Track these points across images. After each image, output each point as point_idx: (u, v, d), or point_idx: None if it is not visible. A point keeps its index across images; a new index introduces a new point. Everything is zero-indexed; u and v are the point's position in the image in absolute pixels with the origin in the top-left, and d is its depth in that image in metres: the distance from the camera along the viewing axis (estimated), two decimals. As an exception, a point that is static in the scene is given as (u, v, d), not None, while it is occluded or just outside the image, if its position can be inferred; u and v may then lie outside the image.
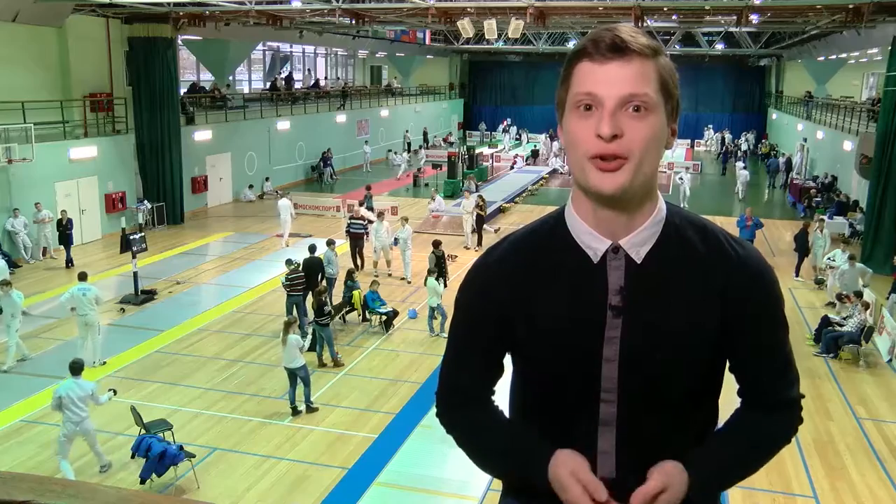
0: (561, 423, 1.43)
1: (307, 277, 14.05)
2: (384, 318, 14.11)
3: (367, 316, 14.41)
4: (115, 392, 9.46)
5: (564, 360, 1.40)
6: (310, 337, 11.87)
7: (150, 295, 15.93)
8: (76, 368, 8.92)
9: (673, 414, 1.43)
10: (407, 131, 41.79)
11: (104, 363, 12.35)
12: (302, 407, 10.76)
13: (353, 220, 18.42)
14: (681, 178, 26.33)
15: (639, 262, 1.37)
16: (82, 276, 12.63)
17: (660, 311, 1.36)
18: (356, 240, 18.17)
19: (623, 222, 1.36)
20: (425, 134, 43.93)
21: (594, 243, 1.38)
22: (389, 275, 17.48)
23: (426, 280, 14.15)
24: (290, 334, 10.62)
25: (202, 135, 25.59)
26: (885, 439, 10.17)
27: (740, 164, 33.30)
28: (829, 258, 16.59)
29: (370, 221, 18.21)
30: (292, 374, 10.62)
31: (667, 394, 1.41)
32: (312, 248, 15.03)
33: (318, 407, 10.85)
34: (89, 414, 8.83)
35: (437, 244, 15.96)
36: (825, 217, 21.20)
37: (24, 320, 12.58)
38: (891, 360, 12.83)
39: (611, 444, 1.42)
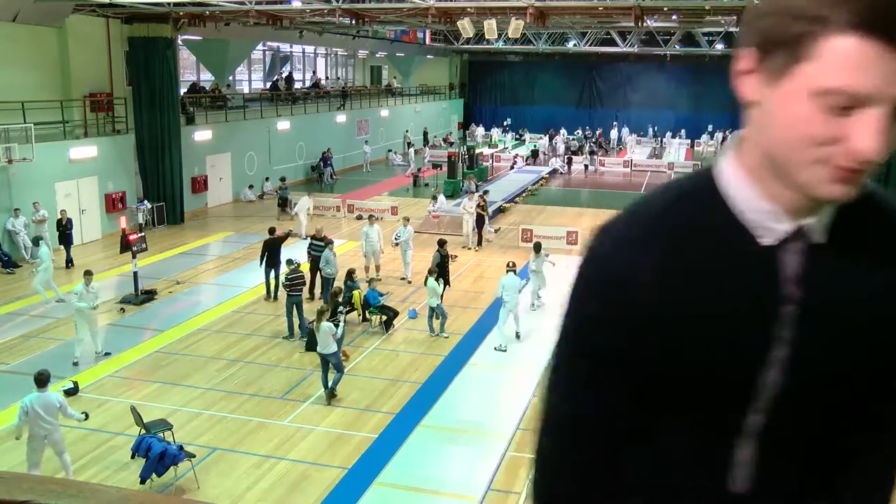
0: (691, 429, 1.12)
1: (267, 255, 15.59)
2: (384, 318, 14.13)
3: (367, 316, 14.43)
4: (86, 416, 9.37)
5: (716, 364, 1.06)
6: (342, 327, 11.83)
7: (150, 295, 15.93)
8: (41, 381, 8.63)
9: (838, 430, 1.12)
10: (407, 131, 41.81)
11: (107, 354, 12.73)
12: (322, 390, 11.12)
13: (314, 242, 16.21)
14: None
15: (821, 242, 1.07)
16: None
17: (848, 302, 1.07)
18: (318, 263, 15.84)
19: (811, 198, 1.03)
20: (425, 134, 43.94)
21: (770, 222, 1.06)
22: (372, 280, 15.57)
23: (426, 280, 14.16)
24: (323, 322, 10.97)
25: (202, 135, 25.59)
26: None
27: None
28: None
29: (329, 242, 15.99)
30: (324, 360, 11.00)
31: (839, 405, 1.09)
32: (272, 231, 16.21)
33: (338, 394, 11.17)
34: (58, 427, 8.66)
35: (442, 243, 15.93)
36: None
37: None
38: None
39: (750, 456, 1.13)
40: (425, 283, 14.24)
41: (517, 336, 13.64)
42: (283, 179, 26.28)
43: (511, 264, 14.07)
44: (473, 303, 15.88)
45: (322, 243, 15.87)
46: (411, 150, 37.09)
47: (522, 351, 13.23)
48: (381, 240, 17.49)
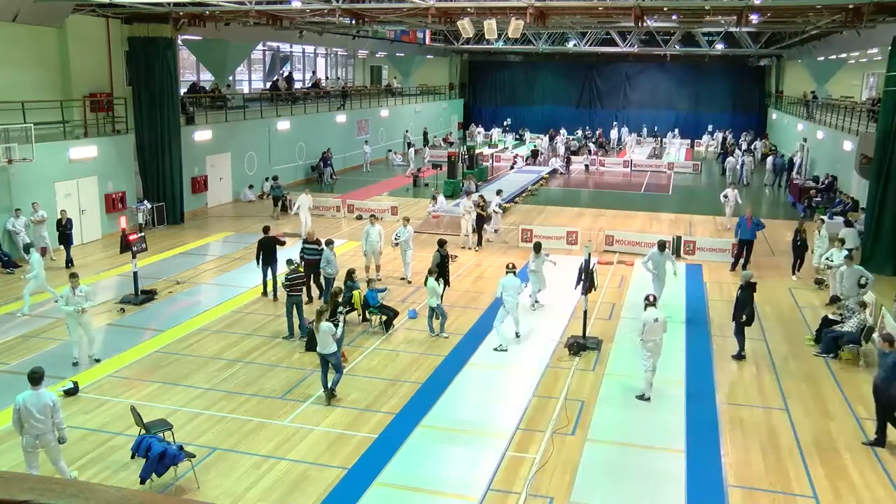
0: None
1: (263, 254, 15.78)
2: (384, 318, 14.13)
3: (367, 316, 14.44)
4: (65, 441, 8.57)
5: None
6: (342, 327, 11.71)
7: (150, 295, 15.93)
8: (35, 379, 8.32)
9: None
10: (407, 131, 41.84)
11: (97, 360, 12.53)
12: (322, 391, 11.15)
13: (307, 245, 15.85)
14: (725, 196, 23.83)
15: None
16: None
17: None
18: (312, 267, 15.48)
19: None
20: (425, 134, 43.96)
21: None
22: (371, 280, 15.09)
23: (426, 280, 14.16)
24: (323, 322, 10.97)
25: (202, 135, 25.59)
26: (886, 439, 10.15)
27: (731, 159, 34.02)
28: (826, 258, 16.58)
29: (330, 242, 15.65)
30: (324, 360, 11.02)
31: None
32: (266, 230, 16.33)
33: (337, 394, 11.16)
34: (52, 428, 8.28)
35: (441, 243, 15.92)
36: (825, 217, 21.18)
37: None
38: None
39: None
40: (425, 283, 14.24)
41: (517, 336, 13.65)
42: (275, 178, 26.39)
43: (511, 266, 14.07)
44: (473, 303, 15.88)
45: (315, 246, 15.61)
46: (411, 150, 37.13)
47: (522, 351, 13.23)
48: (381, 239, 17.45)
